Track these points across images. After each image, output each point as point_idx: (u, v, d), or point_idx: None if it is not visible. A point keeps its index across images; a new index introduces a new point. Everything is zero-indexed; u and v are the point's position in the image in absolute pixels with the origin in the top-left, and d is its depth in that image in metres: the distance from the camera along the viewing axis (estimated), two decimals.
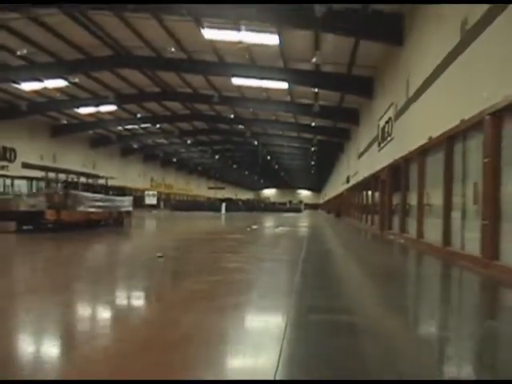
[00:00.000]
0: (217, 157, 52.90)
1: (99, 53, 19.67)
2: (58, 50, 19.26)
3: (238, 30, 15.05)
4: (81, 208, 11.30)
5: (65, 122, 31.65)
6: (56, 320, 3.89)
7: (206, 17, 13.82)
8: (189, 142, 41.70)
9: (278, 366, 2.69)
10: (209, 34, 15.64)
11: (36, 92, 24.76)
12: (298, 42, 16.18)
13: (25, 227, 10.69)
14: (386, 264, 8.29)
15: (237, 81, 20.96)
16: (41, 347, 3.24)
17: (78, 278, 5.98)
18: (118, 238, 12.55)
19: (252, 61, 18.58)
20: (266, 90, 22.66)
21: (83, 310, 4.43)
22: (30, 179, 18.28)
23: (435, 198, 9.61)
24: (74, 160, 36.40)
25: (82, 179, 14.99)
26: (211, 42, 16.76)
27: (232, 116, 29.06)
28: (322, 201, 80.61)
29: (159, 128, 35.73)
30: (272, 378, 2.53)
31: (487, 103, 6.49)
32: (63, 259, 7.92)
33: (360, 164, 23.54)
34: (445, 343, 3.51)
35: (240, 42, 16.23)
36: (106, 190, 14.36)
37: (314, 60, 16.28)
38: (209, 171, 72.42)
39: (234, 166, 64.45)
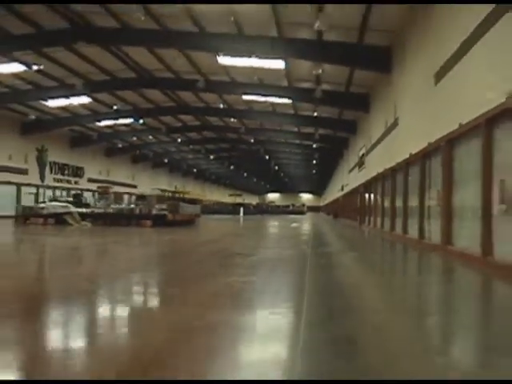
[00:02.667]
0: (232, 167, 61.58)
1: (165, 104, 28.30)
2: (137, 102, 27.92)
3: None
4: (182, 212, 19.84)
5: (120, 145, 40.33)
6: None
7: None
8: (211, 157, 50.40)
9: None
10: None
11: (108, 127, 33.48)
12: (305, 106, 24.67)
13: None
14: (349, 235, 16.93)
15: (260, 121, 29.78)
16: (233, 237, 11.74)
17: (229, 234, 14.46)
18: (212, 227, 21.41)
19: (273, 110, 27.23)
20: (280, 124, 31.42)
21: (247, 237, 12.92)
22: (129, 194, 27.00)
23: (380, 205, 18.20)
24: (120, 173, 45.17)
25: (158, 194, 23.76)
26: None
27: (252, 140, 37.76)
28: (322, 204, 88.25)
29: (192, 148, 44.45)
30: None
31: (390, 165, 15.04)
32: (206, 231, 16.47)
33: (349, 177, 32.06)
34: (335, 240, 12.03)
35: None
36: (187, 201, 23.09)
37: (315, 114, 24.95)
38: (220, 179, 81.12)
39: (245, 175, 73.06)
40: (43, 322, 3.79)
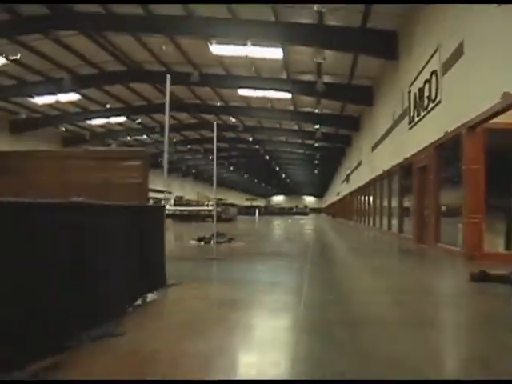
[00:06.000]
0: (246, 175, 72.68)
1: (208, 135, 39.22)
2: (191, 136, 38.89)
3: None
4: (229, 212, 30.82)
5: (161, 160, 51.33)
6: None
7: None
8: (231, 168, 61.52)
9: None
10: None
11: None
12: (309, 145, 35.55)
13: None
14: (336, 226, 27.94)
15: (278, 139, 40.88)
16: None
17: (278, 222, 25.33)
18: (248, 222, 32.25)
19: (286, 140, 38.17)
20: (290, 146, 42.42)
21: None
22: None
23: (359, 208, 29.13)
24: (159, 182, 55.51)
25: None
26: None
27: (267, 157, 48.76)
28: (323, 206, 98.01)
29: (218, 162, 55.53)
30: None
31: (359, 185, 25.97)
32: (249, 225, 27.40)
33: (341, 187, 43.01)
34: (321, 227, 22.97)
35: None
36: (231, 205, 34.11)
37: (316, 145, 35.92)
38: (233, 184, 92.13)
39: (256, 180, 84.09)
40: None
